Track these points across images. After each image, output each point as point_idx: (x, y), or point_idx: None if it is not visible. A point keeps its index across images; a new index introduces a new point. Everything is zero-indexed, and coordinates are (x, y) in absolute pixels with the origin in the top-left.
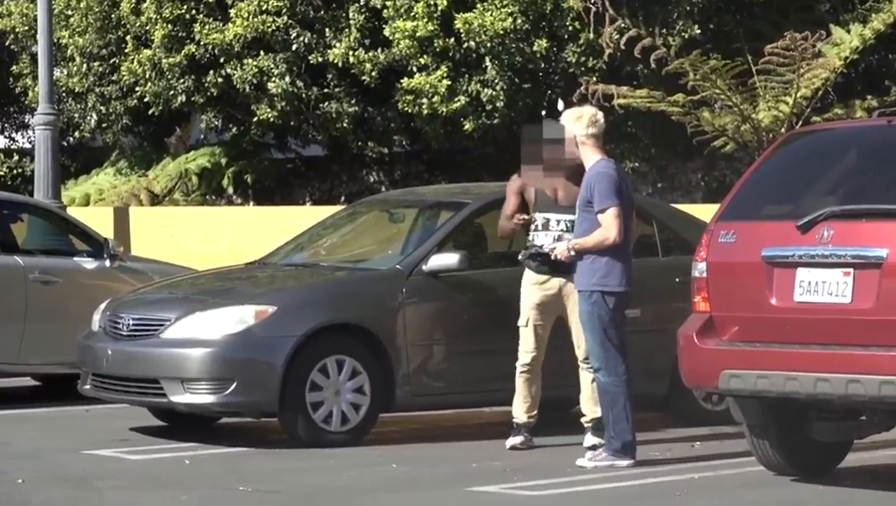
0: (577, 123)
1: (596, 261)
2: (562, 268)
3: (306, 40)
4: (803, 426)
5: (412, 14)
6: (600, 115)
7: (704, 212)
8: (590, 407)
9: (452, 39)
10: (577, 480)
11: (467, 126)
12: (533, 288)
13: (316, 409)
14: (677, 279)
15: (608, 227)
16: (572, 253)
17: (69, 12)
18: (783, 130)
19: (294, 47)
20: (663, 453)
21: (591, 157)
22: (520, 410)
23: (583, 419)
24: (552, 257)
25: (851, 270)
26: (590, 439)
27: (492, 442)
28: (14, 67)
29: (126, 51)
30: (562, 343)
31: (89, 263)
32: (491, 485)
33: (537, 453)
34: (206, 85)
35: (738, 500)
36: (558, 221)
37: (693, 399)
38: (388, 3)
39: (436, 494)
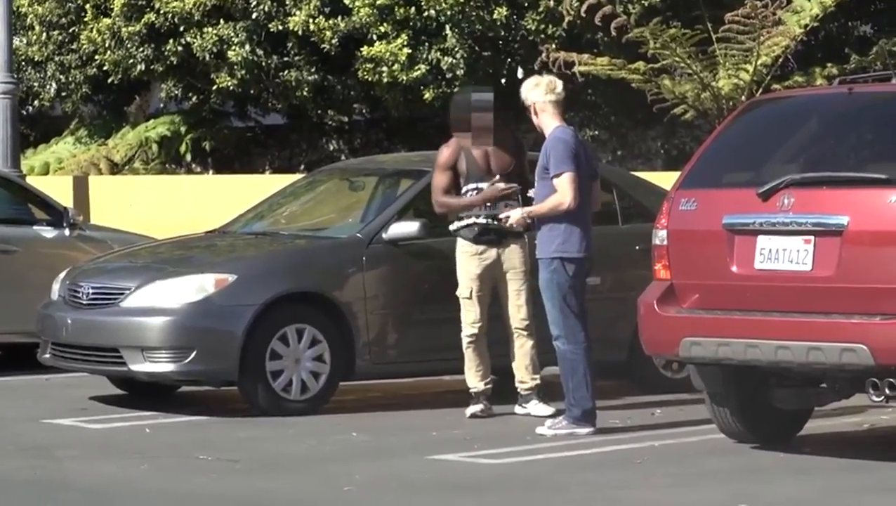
0: (536, 90)
1: (554, 228)
2: (499, 237)
3: (266, 8)
4: (764, 394)
5: None
6: (559, 82)
7: (664, 179)
8: (527, 374)
9: (412, 8)
10: (538, 447)
11: (427, 95)
12: (473, 259)
13: (276, 377)
14: (637, 247)
15: (563, 192)
16: (528, 221)
17: None
18: (743, 97)
19: (254, 15)
20: (623, 421)
21: (549, 123)
22: (474, 379)
23: (521, 387)
24: (507, 226)
25: (812, 237)
26: (535, 407)
27: (452, 410)
28: None
29: (85, 19)
30: (504, 313)
31: (49, 232)
32: (451, 453)
33: (497, 422)
34: (166, 53)
35: (699, 467)
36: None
37: (653, 367)
38: None
39: (396, 462)
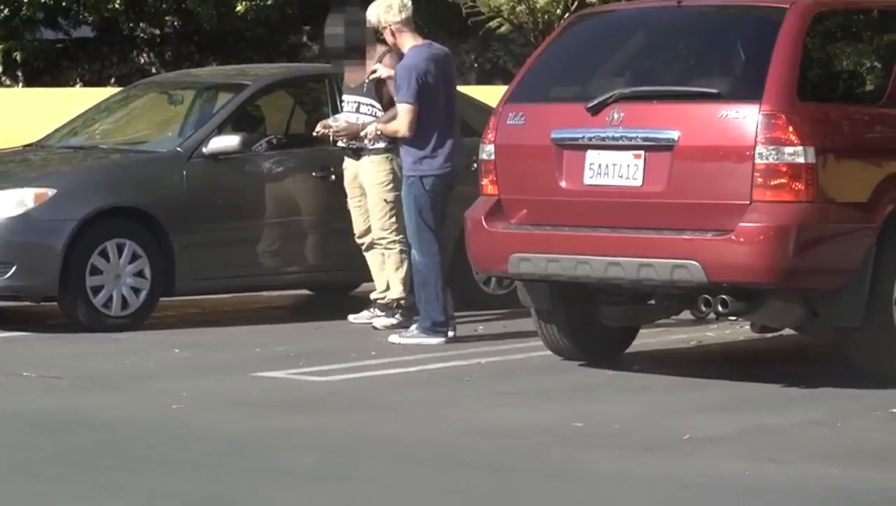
0: (389, 13)
1: (412, 146)
2: (355, 152)
3: None
4: (591, 311)
5: None
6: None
7: (478, 93)
8: (387, 286)
9: None
10: (363, 365)
11: (239, 7)
12: (345, 172)
13: (96, 293)
14: None
15: (399, 121)
16: (379, 134)
17: None
18: (559, 10)
19: None
20: (447, 338)
21: (406, 43)
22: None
23: (373, 295)
24: (364, 136)
25: (642, 152)
26: (378, 318)
27: (272, 326)
28: None
29: None
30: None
31: None
32: (277, 371)
33: (321, 338)
34: None
35: (529, 385)
36: (347, 103)
37: (475, 282)
38: None
39: (222, 380)
